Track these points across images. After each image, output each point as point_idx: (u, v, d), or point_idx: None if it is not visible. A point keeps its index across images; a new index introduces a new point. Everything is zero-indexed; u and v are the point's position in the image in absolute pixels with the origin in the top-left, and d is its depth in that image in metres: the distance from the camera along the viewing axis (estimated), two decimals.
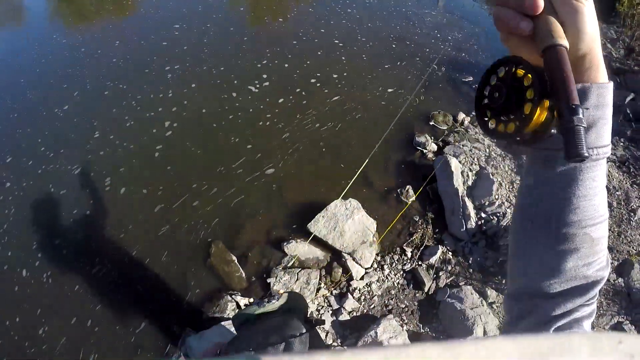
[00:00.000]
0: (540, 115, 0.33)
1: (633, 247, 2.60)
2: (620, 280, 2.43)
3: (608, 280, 2.38)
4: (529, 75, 0.34)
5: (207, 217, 2.71)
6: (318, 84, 3.73)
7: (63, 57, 4.38)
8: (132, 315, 2.30)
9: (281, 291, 1.01)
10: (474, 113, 3.18)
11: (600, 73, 0.37)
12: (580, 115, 0.30)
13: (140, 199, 2.87)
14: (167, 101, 3.59)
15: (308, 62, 3.97)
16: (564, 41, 0.32)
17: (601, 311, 2.31)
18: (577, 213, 0.42)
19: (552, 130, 0.34)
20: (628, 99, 3.88)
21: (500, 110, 0.37)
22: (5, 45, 4.75)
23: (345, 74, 3.87)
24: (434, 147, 3.30)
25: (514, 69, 0.36)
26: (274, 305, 0.91)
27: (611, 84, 0.38)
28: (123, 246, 2.58)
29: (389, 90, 3.77)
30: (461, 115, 3.61)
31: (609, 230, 2.51)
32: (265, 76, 3.78)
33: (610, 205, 2.78)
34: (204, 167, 3.06)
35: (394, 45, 4.38)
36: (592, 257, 0.43)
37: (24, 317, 2.27)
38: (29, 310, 2.30)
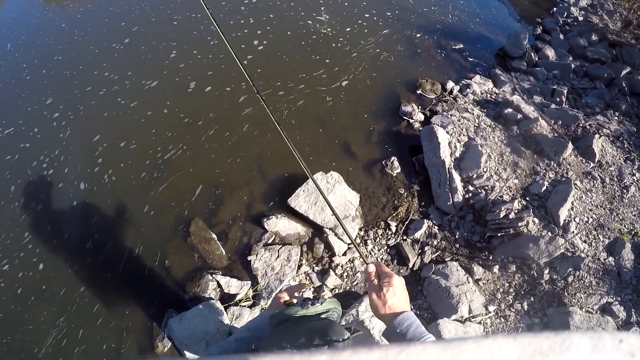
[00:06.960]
0: None
1: (625, 225, 2.47)
2: (610, 259, 2.30)
3: (598, 259, 2.29)
4: None
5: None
6: (374, 18, 4.28)
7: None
8: (116, 297, 2.28)
9: (326, 297, 1.01)
10: (463, 82, 3.45)
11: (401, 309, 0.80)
12: None
13: (224, 95, 3.20)
14: (250, 26, 3.98)
15: (364, 3, 4.48)
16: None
17: (590, 291, 2.19)
18: None
19: None
20: (624, 72, 3.82)
21: None
22: None
23: (397, 11, 4.42)
24: (421, 116, 3.13)
25: None
26: (316, 309, 0.92)
27: (409, 312, 0.81)
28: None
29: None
30: (450, 84, 3.43)
31: (601, 207, 2.54)
32: (331, 9, 4.26)
33: (602, 180, 2.69)
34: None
35: None
36: None
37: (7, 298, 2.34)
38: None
